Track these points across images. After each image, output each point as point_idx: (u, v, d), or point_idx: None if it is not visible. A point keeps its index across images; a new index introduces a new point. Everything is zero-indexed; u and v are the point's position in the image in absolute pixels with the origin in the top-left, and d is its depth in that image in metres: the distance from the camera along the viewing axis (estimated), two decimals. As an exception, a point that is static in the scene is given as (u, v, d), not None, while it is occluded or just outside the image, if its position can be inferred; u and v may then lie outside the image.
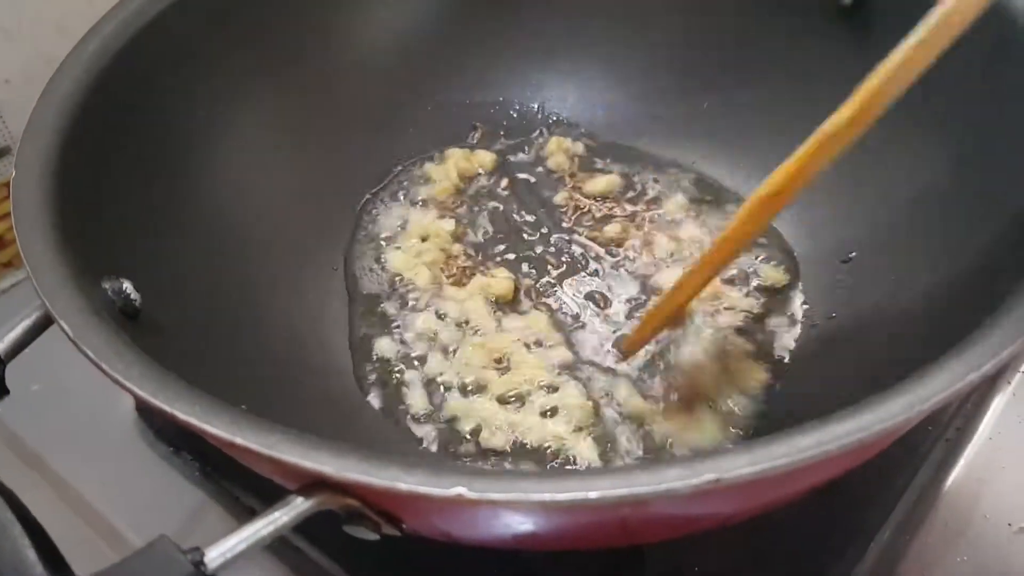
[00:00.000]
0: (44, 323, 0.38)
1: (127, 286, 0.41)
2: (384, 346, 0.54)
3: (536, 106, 0.65)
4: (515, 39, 0.63)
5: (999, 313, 0.34)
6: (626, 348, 0.52)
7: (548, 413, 0.50)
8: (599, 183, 0.62)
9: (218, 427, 0.32)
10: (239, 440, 0.31)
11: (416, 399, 0.52)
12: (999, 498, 0.49)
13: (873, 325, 0.49)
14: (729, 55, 0.59)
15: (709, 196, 0.61)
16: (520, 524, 0.33)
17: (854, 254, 0.52)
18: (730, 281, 0.56)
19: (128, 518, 0.53)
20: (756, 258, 0.56)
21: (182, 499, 0.53)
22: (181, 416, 0.32)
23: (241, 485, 0.51)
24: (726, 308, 0.54)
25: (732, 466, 0.29)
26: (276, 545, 0.49)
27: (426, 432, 0.50)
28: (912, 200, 0.50)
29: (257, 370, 0.47)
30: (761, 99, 0.58)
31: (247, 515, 0.52)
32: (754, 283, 0.55)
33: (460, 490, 0.29)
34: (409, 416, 0.51)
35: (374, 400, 0.52)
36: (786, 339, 0.53)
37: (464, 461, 0.49)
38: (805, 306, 0.54)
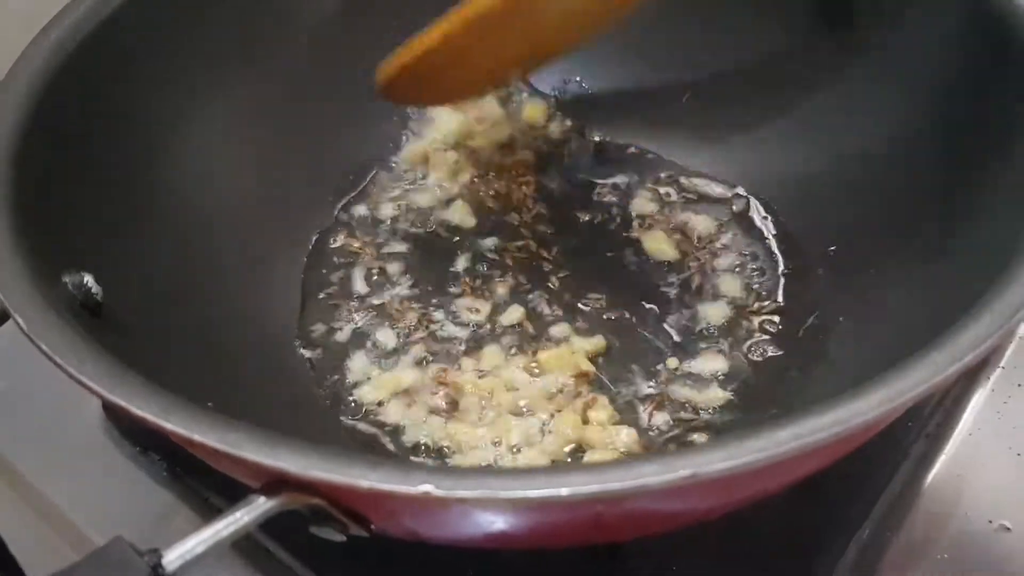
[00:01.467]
0: (1, 318, 0.37)
1: (88, 280, 0.40)
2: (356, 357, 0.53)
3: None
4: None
5: (978, 306, 0.33)
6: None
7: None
8: None
9: (176, 423, 0.31)
10: (198, 437, 0.30)
11: (378, 405, 0.51)
12: (980, 494, 0.49)
13: (853, 319, 0.48)
14: (709, 53, 0.58)
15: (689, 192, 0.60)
16: (490, 523, 0.32)
17: (833, 248, 0.52)
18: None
19: (93, 519, 0.51)
20: (737, 262, 0.56)
21: (149, 500, 0.52)
22: (137, 412, 0.31)
23: (210, 485, 0.50)
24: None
25: (708, 461, 0.28)
26: (245, 545, 0.48)
27: (390, 439, 0.49)
28: (891, 194, 0.49)
29: (223, 368, 0.46)
30: (739, 95, 0.58)
31: (216, 516, 0.51)
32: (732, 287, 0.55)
33: (427, 487, 0.28)
34: (376, 423, 0.50)
35: (341, 407, 0.51)
36: (766, 334, 0.52)
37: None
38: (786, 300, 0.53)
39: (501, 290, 0.55)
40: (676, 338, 0.52)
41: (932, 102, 0.48)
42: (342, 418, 0.50)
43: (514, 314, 0.54)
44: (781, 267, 0.55)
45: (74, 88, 0.45)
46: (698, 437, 0.48)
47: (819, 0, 0.52)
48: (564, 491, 0.28)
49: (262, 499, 0.30)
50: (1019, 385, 0.53)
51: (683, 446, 0.47)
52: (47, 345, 0.33)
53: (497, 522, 0.32)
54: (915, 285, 0.44)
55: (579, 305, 0.54)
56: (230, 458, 0.30)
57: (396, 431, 0.50)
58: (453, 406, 0.50)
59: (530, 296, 0.55)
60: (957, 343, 0.31)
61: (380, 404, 0.51)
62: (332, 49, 0.58)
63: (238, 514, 0.30)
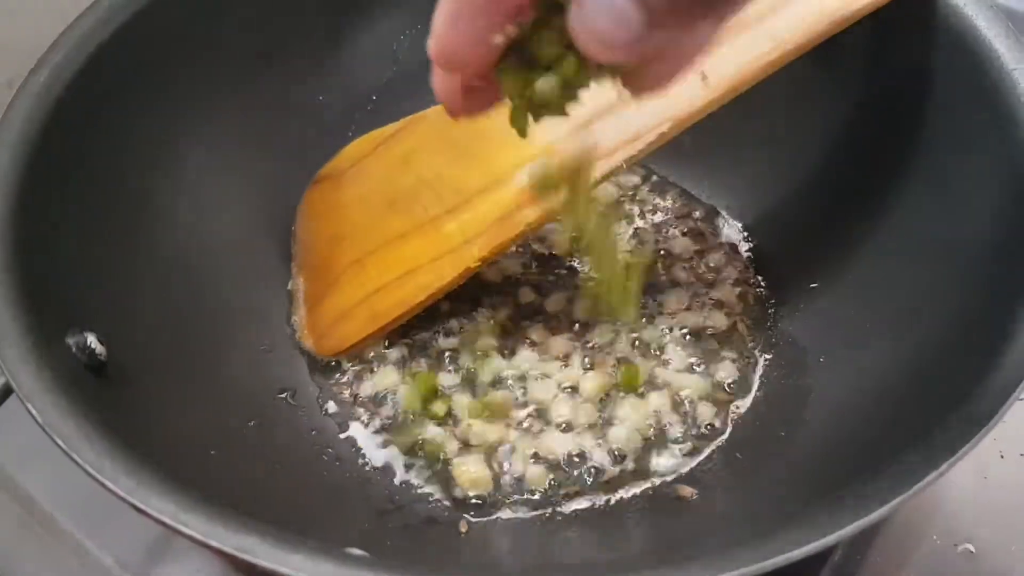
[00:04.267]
0: (7, 391, 0.38)
1: (91, 340, 0.41)
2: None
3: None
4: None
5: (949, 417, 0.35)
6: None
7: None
8: None
9: (193, 528, 0.32)
10: (214, 543, 0.31)
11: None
12: (947, 518, 0.51)
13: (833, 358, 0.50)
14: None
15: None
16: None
17: (815, 284, 0.53)
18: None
19: (101, 539, 0.52)
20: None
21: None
22: (155, 515, 0.32)
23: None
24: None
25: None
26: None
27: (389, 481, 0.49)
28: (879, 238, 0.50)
29: (226, 412, 0.47)
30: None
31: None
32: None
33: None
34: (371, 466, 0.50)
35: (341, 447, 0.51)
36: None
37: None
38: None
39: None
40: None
41: (934, 163, 0.48)
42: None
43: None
44: (765, 297, 0.55)
45: (65, 136, 0.44)
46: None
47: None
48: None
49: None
50: (987, 408, 0.55)
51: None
52: (61, 439, 0.34)
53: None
54: (898, 374, 0.45)
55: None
56: (247, 563, 0.31)
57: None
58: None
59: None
60: (933, 448, 0.33)
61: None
62: (329, 78, 0.57)
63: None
